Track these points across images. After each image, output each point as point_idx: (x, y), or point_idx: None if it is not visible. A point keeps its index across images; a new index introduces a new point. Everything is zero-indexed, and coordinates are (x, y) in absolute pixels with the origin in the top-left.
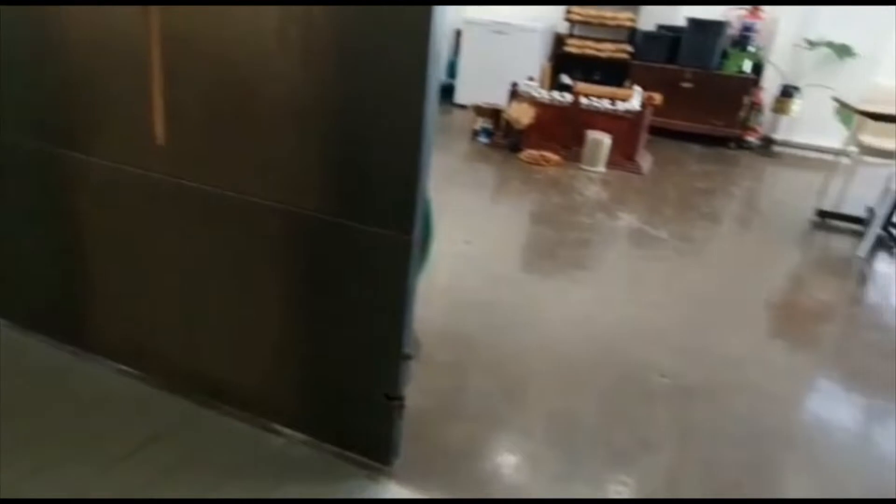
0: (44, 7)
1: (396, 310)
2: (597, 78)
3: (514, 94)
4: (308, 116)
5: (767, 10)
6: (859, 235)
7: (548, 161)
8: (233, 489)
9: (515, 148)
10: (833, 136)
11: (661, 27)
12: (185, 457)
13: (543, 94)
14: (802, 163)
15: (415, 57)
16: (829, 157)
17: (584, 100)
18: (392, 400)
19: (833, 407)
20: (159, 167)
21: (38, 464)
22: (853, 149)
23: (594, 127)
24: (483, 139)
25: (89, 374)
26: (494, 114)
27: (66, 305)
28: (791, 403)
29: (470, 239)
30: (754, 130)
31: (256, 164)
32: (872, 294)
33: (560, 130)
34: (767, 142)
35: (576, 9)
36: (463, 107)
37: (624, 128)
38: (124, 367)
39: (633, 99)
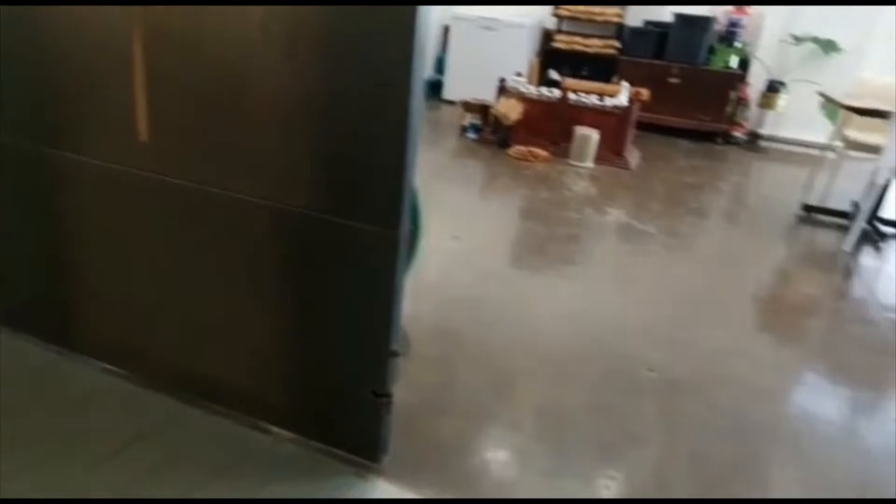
0: (27, 6)
1: (384, 306)
2: (585, 73)
3: (503, 89)
4: (293, 112)
5: (753, 6)
6: (844, 229)
7: (536, 157)
8: (220, 488)
9: (504, 144)
10: (818, 131)
11: (648, 23)
12: (172, 455)
13: (531, 90)
14: (788, 158)
15: (400, 51)
16: (815, 152)
17: (572, 95)
18: (380, 397)
19: (819, 400)
20: (144, 164)
21: (23, 463)
22: (838, 143)
23: (582, 122)
24: (471, 135)
25: (75, 373)
26: (483, 110)
27: (50, 304)
28: (777, 397)
29: (458, 235)
30: (741, 126)
31: (242, 161)
32: (857, 288)
33: (548, 126)
34: (754, 137)
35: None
36: (451, 103)
37: (612, 123)
38: (110, 366)
39: (621, 94)
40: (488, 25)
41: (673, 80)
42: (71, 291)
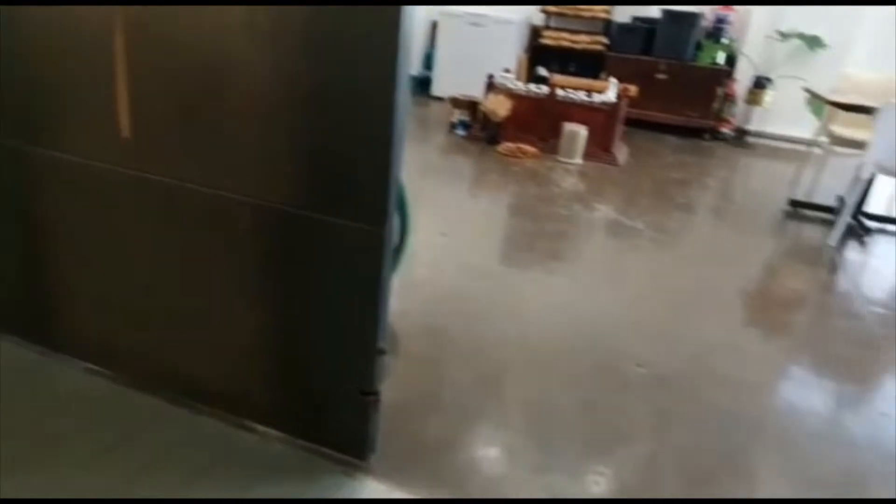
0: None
1: (370, 304)
2: (573, 70)
3: (491, 86)
4: (277, 108)
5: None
6: (830, 224)
7: (525, 153)
8: (206, 488)
9: (493, 140)
10: (804, 126)
11: (636, 19)
12: (158, 456)
13: (520, 86)
14: (775, 153)
15: (385, 45)
16: (801, 148)
17: (560, 92)
18: (367, 395)
19: (805, 393)
20: (125, 161)
21: (6, 465)
22: (824, 139)
23: (570, 119)
24: (460, 132)
25: (57, 373)
26: (471, 106)
27: (31, 303)
28: (764, 390)
29: (446, 231)
30: (728, 122)
31: (225, 157)
32: (843, 282)
33: (537, 122)
34: (741, 133)
35: None
36: (440, 99)
37: (600, 119)
38: (92, 366)
39: (609, 91)
40: (476, 21)
41: (660, 77)
42: (52, 290)
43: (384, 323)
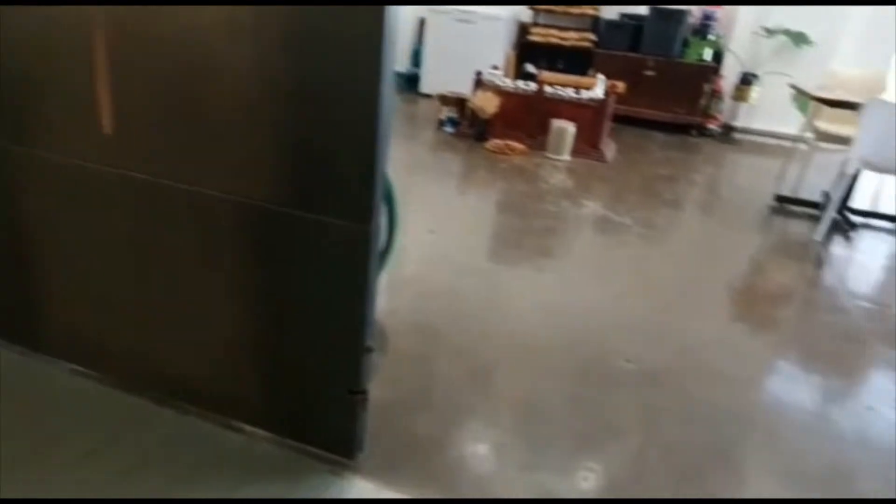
0: None
1: (357, 302)
2: (560, 66)
3: (479, 82)
4: (260, 104)
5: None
6: (816, 219)
7: (513, 150)
8: (194, 488)
9: (481, 137)
10: (790, 122)
11: (623, 16)
12: (145, 456)
13: (508, 83)
14: (761, 149)
15: (369, 40)
16: (787, 144)
17: (548, 88)
18: (355, 394)
19: (792, 388)
20: (107, 159)
21: None
22: (809, 135)
23: (558, 115)
24: (449, 128)
25: (43, 374)
26: (459, 103)
27: (13, 304)
28: (752, 385)
29: (435, 228)
30: (715, 118)
31: (208, 154)
32: (829, 277)
33: (525, 119)
34: (728, 129)
35: None
36: (428, 96)
37: (588, 116)
38: (77, 367)
39: (597, 87)
40: (465, 18)
41: (648, 73)
42: (35, 289)
43: (371, 321)
